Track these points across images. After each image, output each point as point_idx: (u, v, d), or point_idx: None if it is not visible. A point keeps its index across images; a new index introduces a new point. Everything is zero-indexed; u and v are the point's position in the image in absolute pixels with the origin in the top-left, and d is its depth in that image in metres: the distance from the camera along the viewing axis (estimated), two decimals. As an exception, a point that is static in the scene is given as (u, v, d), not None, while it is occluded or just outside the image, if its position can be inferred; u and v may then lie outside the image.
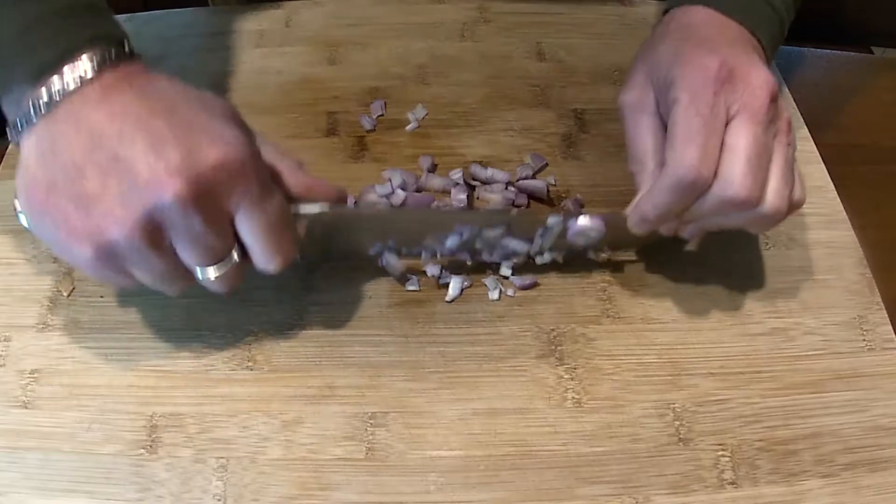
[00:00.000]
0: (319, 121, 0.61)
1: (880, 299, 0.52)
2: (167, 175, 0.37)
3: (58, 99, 0.38)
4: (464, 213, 0.53)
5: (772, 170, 0.43)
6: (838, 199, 0.57)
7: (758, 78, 0.43)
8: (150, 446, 0.45)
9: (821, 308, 0.51)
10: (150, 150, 0.37)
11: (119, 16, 0.65)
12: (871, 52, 0.84)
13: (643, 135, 0.46)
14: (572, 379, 0.48)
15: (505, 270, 0.52)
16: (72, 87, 0.38)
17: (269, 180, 0.42)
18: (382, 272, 0.52)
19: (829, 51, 0.71)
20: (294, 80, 0.63)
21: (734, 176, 0.42)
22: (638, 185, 0.46)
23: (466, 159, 0.58)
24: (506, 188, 0.56)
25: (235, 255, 0.42)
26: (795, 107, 0.62)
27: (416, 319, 0.50)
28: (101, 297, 0.51)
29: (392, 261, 0.51)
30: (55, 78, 0.38)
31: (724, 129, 0.43)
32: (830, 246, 0.54)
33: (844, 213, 0.56)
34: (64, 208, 0.38)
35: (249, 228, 0.41)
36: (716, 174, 0.42)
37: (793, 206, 0.45)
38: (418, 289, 0.51)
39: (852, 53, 0.75)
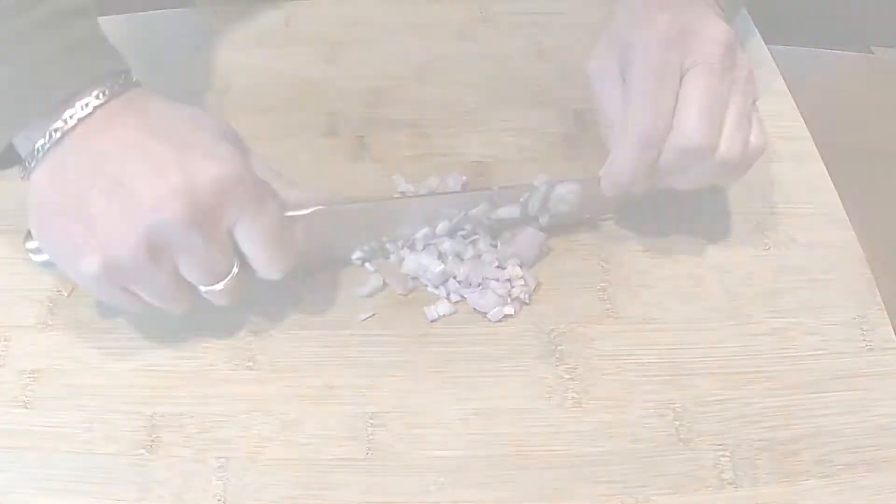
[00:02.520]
0: (319, 121, 0.61)
1: (880, 299, 0.52)
2: (169, 196, 0.39)
3: (66, 130, 0.40)
4: (446, 196, 0.54)
5: (726, 117, 0.44)
6: (838, 199, 0.57)
7: (710, 30, 0.44)
8: (150, 446, 0.45)
9: (821, 308, 0.51)
10: (151, 173, 0.39)
11: (118, 16, 0.66)
12: (871, 52, 0.83)
13: (608, 101, 0.47)
14: (572, 379, 0.48)
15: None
16: (77, 121, 0.40)
17: (265, 191, 0.43)
18: (383, 272, 0.52)
19: (829, 51, 0.71)
20: (294, 80, 0.63)
21: (689, 126, 0.44)
22: (609, 146, 0.48)
23: (466, 159, 0.58)
24: None
25: (236, 268, 0.43)
26: (795, 107, 0.62)
27: (417, 319, 0.50)
28: (101, 297, 0.51)
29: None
30: (65, 112, 0.40)
31: (680, 82, 0.44)
32: (830, 246, 0.54)
33: (844, 213, 0.56)
34: (71, 229, 0.40)
35: (248, 239, 0.43)
36: (673, 126, 0.44)
37: (752, 153, 0.46)
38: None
39: (852, 53, 0.75)
